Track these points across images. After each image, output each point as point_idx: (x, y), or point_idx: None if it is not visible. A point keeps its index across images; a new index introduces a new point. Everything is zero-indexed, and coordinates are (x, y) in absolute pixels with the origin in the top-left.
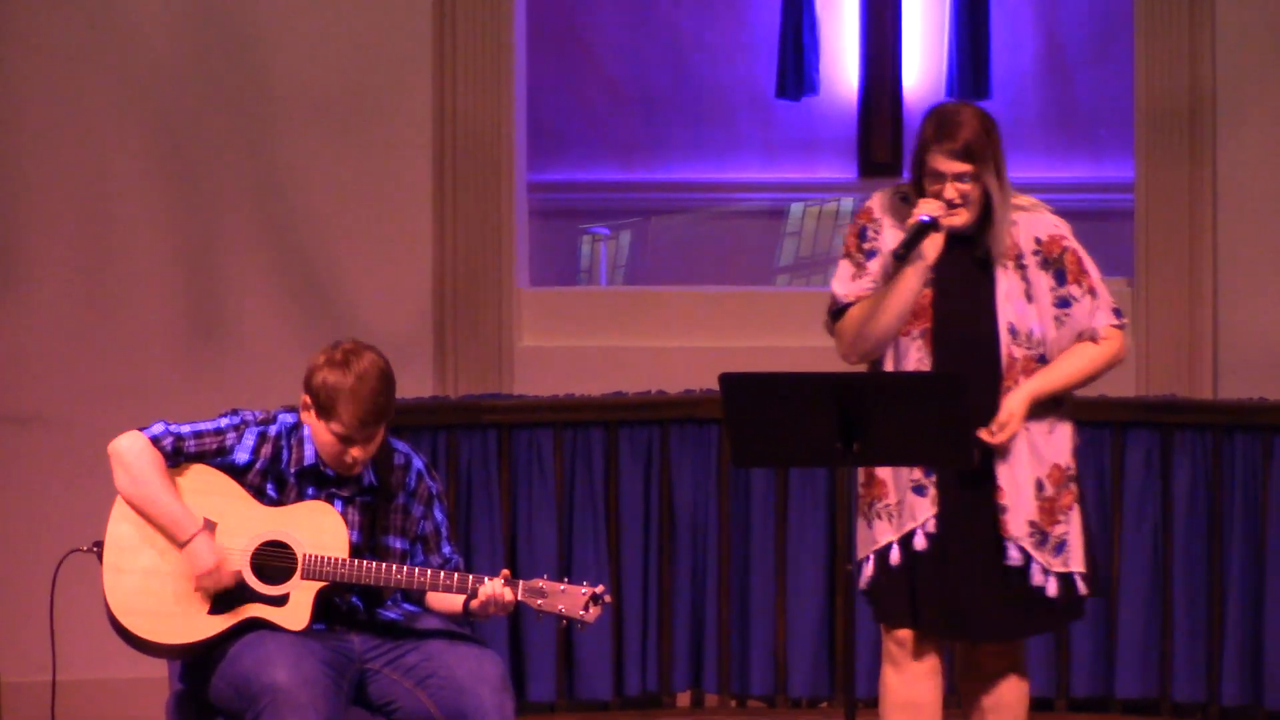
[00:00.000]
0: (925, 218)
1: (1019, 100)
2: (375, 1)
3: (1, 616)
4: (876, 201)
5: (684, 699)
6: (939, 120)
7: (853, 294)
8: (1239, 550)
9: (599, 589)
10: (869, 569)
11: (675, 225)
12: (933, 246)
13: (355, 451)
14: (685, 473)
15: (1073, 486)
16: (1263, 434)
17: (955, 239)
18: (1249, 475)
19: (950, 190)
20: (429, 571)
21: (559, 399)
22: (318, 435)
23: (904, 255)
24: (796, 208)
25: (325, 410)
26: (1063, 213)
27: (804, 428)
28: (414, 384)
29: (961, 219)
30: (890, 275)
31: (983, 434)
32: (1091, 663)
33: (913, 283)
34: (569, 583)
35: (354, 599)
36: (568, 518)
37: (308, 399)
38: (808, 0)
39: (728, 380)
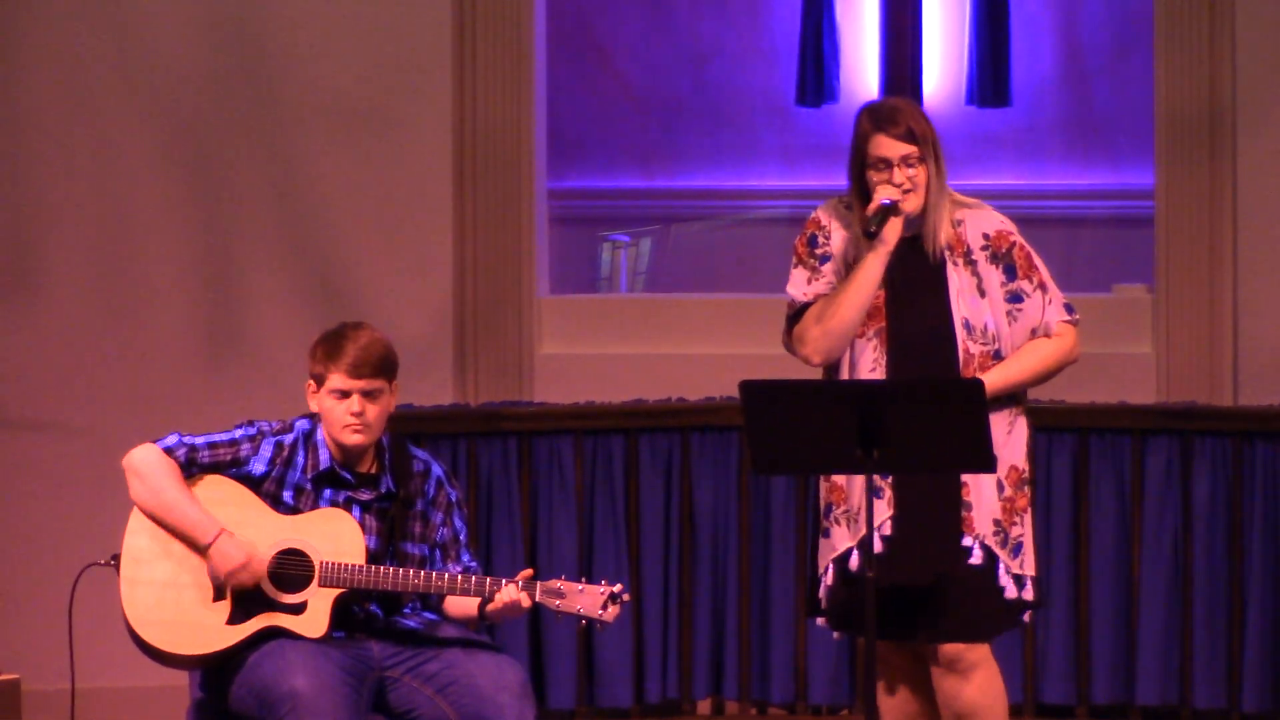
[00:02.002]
0: (886, 200)
1: (1039, 107)
2: (395, 10)
3: (22, 624)
4: (822, 211)
5: (704, 706)
6: (875, 111)
7: (811, 294)
8: (1259, 557)
9: (617, 588)
10: (829, 579)
11: (695, 232)
12: (893, 231)
13: (354, 405)
14: (705, 480)
15: (1027, 490)
16: None
17: (904, 240)
18: (1269, 482)
19: (898, 174)
20: (445, 575)
21: (579, 406)
22: (324, 412)
23: (874, 233)
24: None
25: (322, 373)
26: (1082, 220)
27: (824, 435)
28: (434, 392)
29: (914, 205)
30: (850, 270)
31: None
32: (1112, 669)
33: (874, 270)
34: (587, 582)
35: (372, 607)
36: (588, 525)
37: (311, 383)
38: (828, 7)
39: (748, 387)
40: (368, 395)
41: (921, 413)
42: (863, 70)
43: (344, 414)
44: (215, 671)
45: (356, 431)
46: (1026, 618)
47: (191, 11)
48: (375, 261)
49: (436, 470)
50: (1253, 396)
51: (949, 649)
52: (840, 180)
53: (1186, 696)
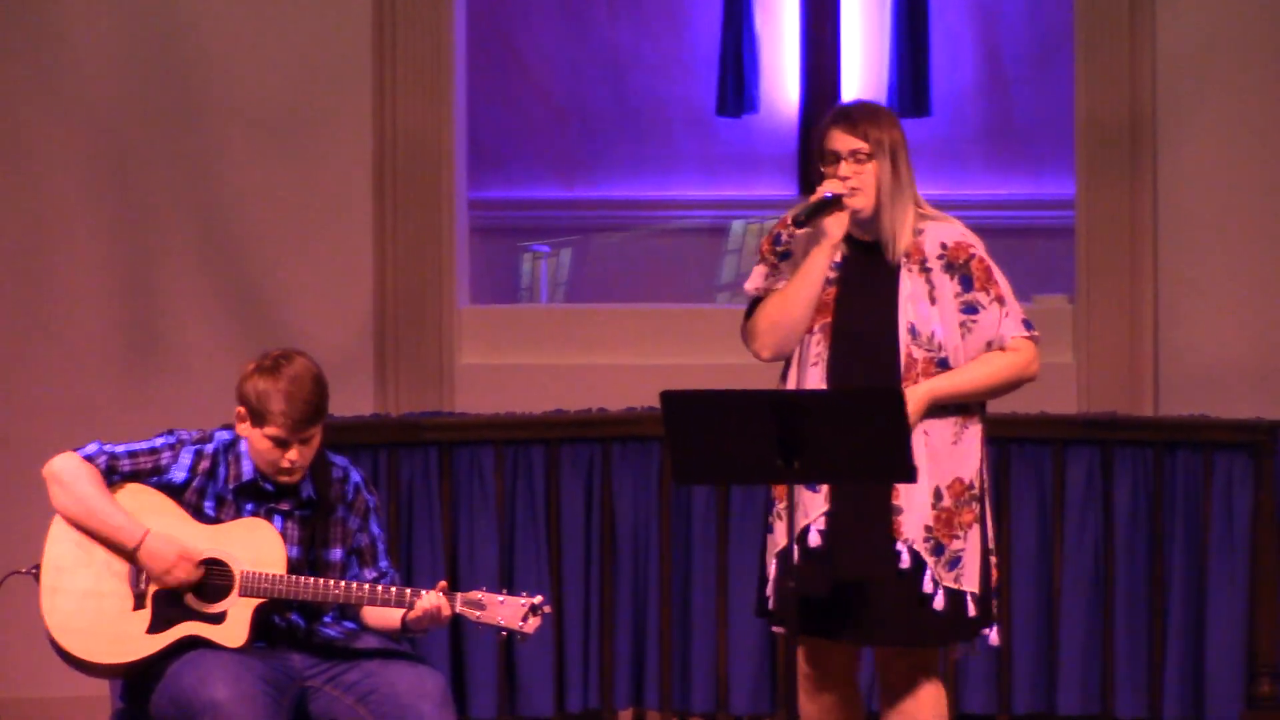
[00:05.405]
0: (828, 194)
1: (959, 117)
2: (315, 20)
3: None
4: (791, 212)
5: (626, 715)
6: (838, 109)
7: (762, 289)
8: (1180, 566)
9: (537, 599)
10: (772, 573)
11: (616, 243)
12: (837, 224)
13: (292, 454)
14: (626, 490)
15: (975, 506)
16: (1203, 451)
17: (863, 244)
18: (1190, 492)
19: (845, 168)
20: (365, 586)
21: (500, 417)
22: (254, 444)
23: (803, 222)
24: (737, 225)
25: (259, 415)
26: (1002, 230)
27: (745, 445)
28: (354, 402)
29: (861, 203)
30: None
31: None
32: (1033, 679)
33: (817, 264)
34: (508, 594)
35: (294, 616)
36: (509, 536)
37: (242, 409)
38: (747, 18)
39: (669, 398)
40: (304, 441)
41: (841, 423)
42: (783, 80)
43: (280, 459)
44: (136, 681)
45: (291, 474)
46: (993, 639)
47: (112, 20)
48: (295, 271)
49: (355, 476)
50: (1173, 406)
51: (893, 658)
52: (759, 189)
53: (1108, 705)
